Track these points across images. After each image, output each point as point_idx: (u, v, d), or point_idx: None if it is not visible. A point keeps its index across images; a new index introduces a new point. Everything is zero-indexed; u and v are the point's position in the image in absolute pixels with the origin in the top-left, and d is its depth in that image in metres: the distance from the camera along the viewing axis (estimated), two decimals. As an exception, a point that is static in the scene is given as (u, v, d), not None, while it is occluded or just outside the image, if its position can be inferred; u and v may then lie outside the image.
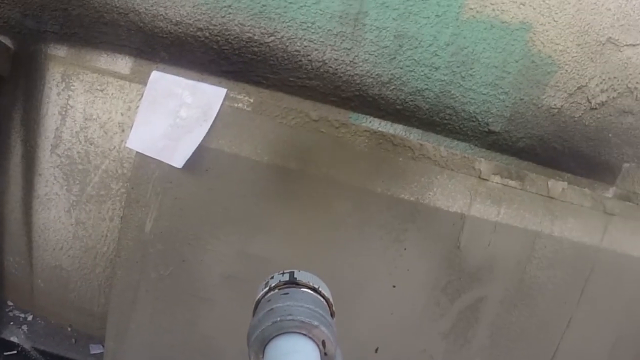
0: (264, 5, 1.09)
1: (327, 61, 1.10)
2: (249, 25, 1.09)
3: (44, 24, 1.21)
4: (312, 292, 0.56)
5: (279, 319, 0.48)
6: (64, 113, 1.20)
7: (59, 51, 1.20)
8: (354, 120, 1.13)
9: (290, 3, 1.09)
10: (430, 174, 1.14)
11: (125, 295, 1.16)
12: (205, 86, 1.08)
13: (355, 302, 1.18)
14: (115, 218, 1.22)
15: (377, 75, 1.12)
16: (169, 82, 1.10)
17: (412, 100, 1.15)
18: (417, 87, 1.14)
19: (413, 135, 1.17)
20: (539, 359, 1.35)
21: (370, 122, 1.14)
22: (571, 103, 1.25)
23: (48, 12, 1.20)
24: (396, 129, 1.16)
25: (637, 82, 1.24)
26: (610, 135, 1.32)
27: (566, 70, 1.23)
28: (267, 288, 0.57)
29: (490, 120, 1.20)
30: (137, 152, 1.10)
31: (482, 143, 1.22)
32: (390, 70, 1.12)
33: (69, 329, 1.35)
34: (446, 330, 1.25)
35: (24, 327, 1.31)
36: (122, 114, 1.16)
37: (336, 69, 1.11)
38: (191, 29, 1.11)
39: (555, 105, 1.24)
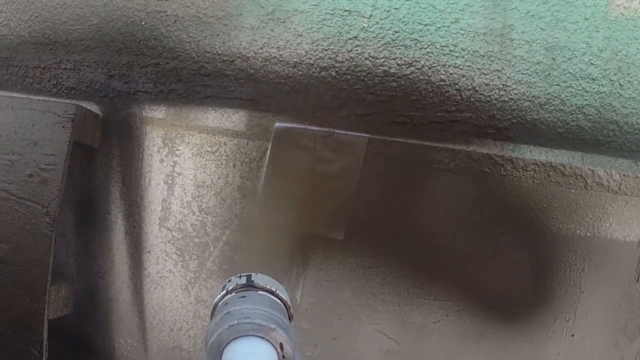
0: (395, 32, 0.81)
1: (477, 88, 0.82)
2: (382, 57, 0.81)
3: (134, 83, 0.93)
4: (269, 295, 0.50)
5: (235, 322, 0.43)
6: (170, 182, 0.92)
7: (157, 112, 0.92)
8: (513, 152, 0.85)
9: (426, 25, 0.81)
10: (603, 203, 0.85)
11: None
12: (342, 136, 0.80)
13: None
14: (242, 292, 0.94)
15: (533, 96, 0.84)
16: (296, 135, 0.82)
17: (573, 120, 0.86)
18: (576, 104, 0.86)
19: (576, 160, 0.89)
20: None
21: (531, 151, 0.86)
22: None
23: (137, 70, 0.92)
24: (557, 156, 0.88)
25: None
26: None
27: None
28: (225, 291, 0.51)
29: (653, 130, 0.92)
30: (268, 219, 0.82)
31: (645, 157, 0.94)
32: (546, 89, 0.84)
33: (194, 410, 1.08)
34: (623, 370, 0.97)
35: (147, 416, 1.04)
36: (241, 177, 0.88)
37: (489, 96, 0.82)
38: (313, 70, 0.83)
39: None
